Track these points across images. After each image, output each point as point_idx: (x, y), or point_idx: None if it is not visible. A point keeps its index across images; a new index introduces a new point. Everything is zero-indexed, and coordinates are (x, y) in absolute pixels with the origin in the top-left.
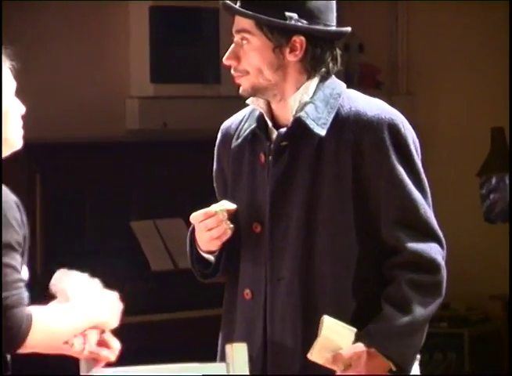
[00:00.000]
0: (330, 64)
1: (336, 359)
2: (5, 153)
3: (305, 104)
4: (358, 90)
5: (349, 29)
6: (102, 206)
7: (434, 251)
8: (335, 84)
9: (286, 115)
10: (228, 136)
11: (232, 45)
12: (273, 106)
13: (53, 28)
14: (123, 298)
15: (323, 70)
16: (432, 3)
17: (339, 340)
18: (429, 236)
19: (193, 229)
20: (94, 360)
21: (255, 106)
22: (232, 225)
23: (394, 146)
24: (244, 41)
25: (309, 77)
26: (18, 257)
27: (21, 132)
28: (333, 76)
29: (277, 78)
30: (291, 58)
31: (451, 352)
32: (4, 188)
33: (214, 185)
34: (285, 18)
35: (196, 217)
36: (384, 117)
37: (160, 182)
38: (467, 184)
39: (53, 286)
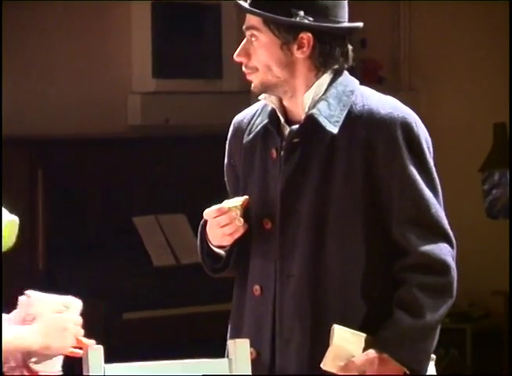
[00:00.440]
0: (341, 60)
1: (349, 367)
2: None
3: (318, 101)
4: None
5: (361, 25)
6: (105, 201)
7: (444, 252)
8: (348, 81)
9: (298, 111)
10: (240, 130)
11: (243, 42)
12: (285, 102)
13: (55, 24)
14: (125, 294)
15: (334, 66)
16: None
17: (351, 347)
18: (440, 236)
19: (204, 223)
20: None
21: (267, 101)
22: (244, 223)
23: (407, 144)
24: (253, 38)
25: (319, 74)
26: None
27: None
28: (346, 73)
29: (286, 75)
30: (299, 55)
31: (453, 347)
32: None
33: (225, 178)
34: (291, 15)
35: (209, 213)
36: (396, 116)
37: (162, 178)
38: (469, 180)
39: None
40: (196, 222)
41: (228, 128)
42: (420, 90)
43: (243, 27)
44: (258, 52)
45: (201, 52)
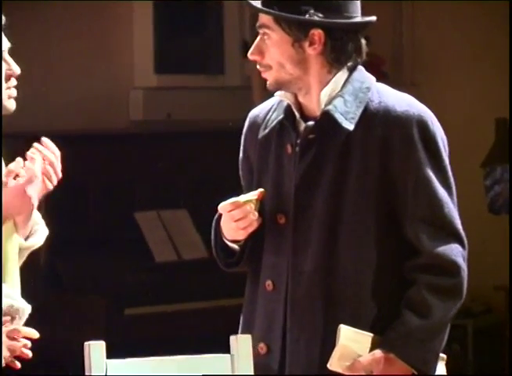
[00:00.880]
0: (354, 55)
1: (356, 367)
2: None
3: (334, 97)
4: None
5: (373, 19)
6: (106, 197)
7: (456, 252)
8: (364, 77)
9: (314, 107)
10: (255, 125)
11: (257, 40)
12: (300, 98)
13: (58, 20)
14: (127, 289)
15: (348, 62)
16: None
17: (357, 347)
18: (451, 236)
19: (218, 217)
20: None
21: (282, 97)
22: (258, 217)
23: (423, 142)
24: (265, 37)
25: (333, 70)
26: None
27: (9, 93)
28: (363, 69)
29: (299, 72)
30: (311, 51)
31: (455, 343)
32: None
33: (240, 173)
34: (301, 12)
35: (224, 207)
36: (412, 114)
37: (164, 173)
38: (472, 175)
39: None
40: (198, 217)
41: (230, 123)
42: (422, 85)
43: (256, 25)
44: (271, 50)
45: (203, 47)
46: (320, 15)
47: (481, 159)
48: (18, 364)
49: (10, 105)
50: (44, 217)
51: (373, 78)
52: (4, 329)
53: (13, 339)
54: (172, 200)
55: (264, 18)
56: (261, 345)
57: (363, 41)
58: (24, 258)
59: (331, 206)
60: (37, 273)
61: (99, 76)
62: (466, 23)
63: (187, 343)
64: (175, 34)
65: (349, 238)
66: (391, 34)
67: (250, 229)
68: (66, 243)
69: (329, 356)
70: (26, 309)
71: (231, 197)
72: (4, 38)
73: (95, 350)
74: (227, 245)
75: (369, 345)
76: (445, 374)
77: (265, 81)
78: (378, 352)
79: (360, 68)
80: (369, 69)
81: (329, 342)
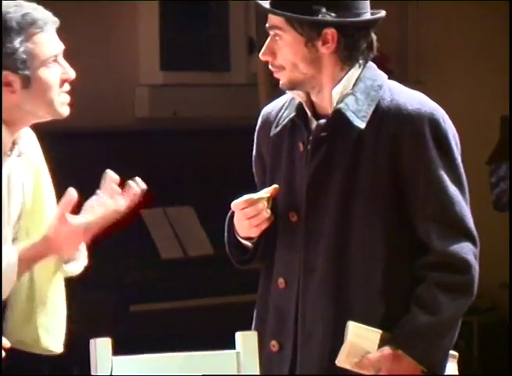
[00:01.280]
0: (366, 52)
1: (364, 364)
2: (44, 118)
3: (346, 95)
4: None
5: (383, 14)
6: None
7: (466, 250)
8: (376, 75)
9: (326, 106)
10: (268, 122)
11: (267, 41)
12: (312, 97)
13: (62, 16)
14: (133, 286)
15: (360, 58)
16: None
17: (365, 344)
18: (462, 233)
19: (231, 215)
20: None
21: (295, 96)
22: (271, 214)
23: (434, 140)
24: (277, 37)
25: (345, 68)
26: None
27: (64, 99)
28: (375, 66)
29: (313, 71)
30: (324, 50)
31: (460, 340)
32: None
33: (253, 170)
34: (313, 12)
35: (237, 205)
36: (424, 112)
37: (170, 170)
38: (477, 172)
39: None
40: (204, 214)
41: (236, 120)
42: (427, 83)
43: (266, 26)
44: (283, 51)
45: (209, 44)
46: (332, 14)
47: (487, 156)
48: None
49: (63, 111)
50: None
51: (384, 76)
52: None
53: None
54: (178, 197)
55: (275, 19)
56: (273, 342)
57: (374, 37)
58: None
59: (342, 204)
60: None
61: (104, 73)
62: (471, 20)
63: (193, 340)
64: (181, 32)
65: (360, 236)
66: (396, 32)
67: (263, 227)
68: None
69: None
70: None
71: (236, 193)
72: (58, 41)
73: (101, 347)
74: (240, 242)
75: (377, 341)
76: (456, 371)
77: (270, 78)
78: (387, 349)
79: (371, 65)
80: None
81: (340, 339)
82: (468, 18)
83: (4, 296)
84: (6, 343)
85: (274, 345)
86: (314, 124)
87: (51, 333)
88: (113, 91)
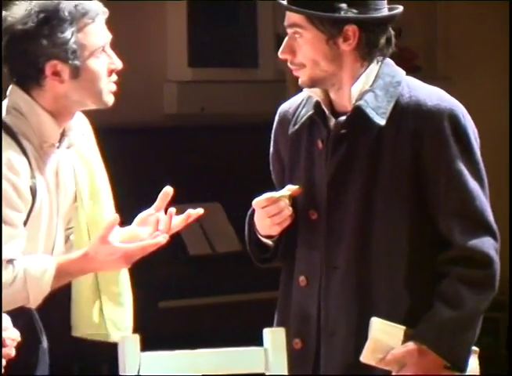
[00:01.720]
0: (385, 48)
1: (389, 360)
2: (89, 106)
3: (365, 92)
4: None
5: (401, 9)
6: (140, 190)
7: (487, 245)
8: (395, 71)
9: (344, 103)
10: (285, 120)
11: (286, 39)
12: (331, 94)
13: None
14: (161, 283)
15: (378, 54)
16: None
17: (389, 340)
18: (483, 228)
19: (252, 213)
20: None
21: (311, 94)
22: (292, 212)
23: (454, 136)
24: (297, 35)
25: (365, 64)
26: None
27: (110, 88)
28: (392, 63)
29: (334, 68)
30: (345, 47)
31: (487, 336)
32: None
33: (271, 168)
34: (334, 9)
35: (259, 203)
36: (444, 107)
37: (198, 166)
38: (502, 170)
39: None
40: (232, 211)
41: (264, 116)
42: (455, 79)
43: (285, 24)
44: (304, 49)
45: (237, 40)
46: (354, 10)
47: None
48: None
49: (109, 99)
50: None
51: (402, 72)
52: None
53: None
54: (206, 194)
55: (295, 17)
56: (296, 340)
57: (392, 33)
58: None
59: (364, 201)
60: None
61: (133, 70)
62: (501, 16)
63: (221, 336)
64: (209, 28)
65: (382, 232)
66: (425, 28)
67: (285, 225)
68: None
69: (363, 350)
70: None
71: (265, 190)
72: (106, 31)
73: (130, 343)
74: (261, 241)
75: (401, 337)
76: (477, 366)
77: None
78: (411, 345)
79: (389, 62)
80: (401, 62)
81: (363, 336)
82: (498, 14)
83: (36, 304)
84: (17, 336)
85: (297, 343)
86: (332, 121)
87: (118, 326)
88: (141, 87)
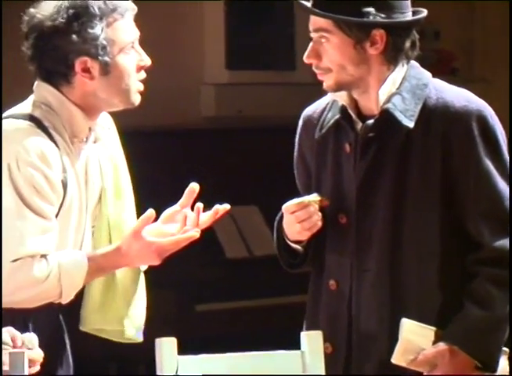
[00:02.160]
0: (410, 51)
1: (420, 361)
2: (116, 107)
3: (392, 95)
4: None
5: (425, 13)
6: (178, 193)
7: None
8: (421, 74)
9: (371, 106)
10: (310, 125)
11: (311, 43)
12: (357, 97)
13: None
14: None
15: (404, 58)
16: None
17: (420, 341)
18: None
19: (280, 217)
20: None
21: (337, 98)
22: (322, 217)
23: (482, 137)
24: (323, 40)
25: (391, 67)
26: None
27: (138, 87)
28: (418, 65)
29: (360, 72)
30: (373, 51)
31: None
32: None
33: (295, 171)
34: (362, 14)
35: (288, 208)
36: (472, 109)
37: (236, 169)
38: None
39: None
40: (269, 213)
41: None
42: (493, 81)
43: (310, 29)
44: (330, 53)
45: (274, 43)
46: (382, 15)
47: None
48: None
49: (136, 99)
50: None
51: (429, 74)
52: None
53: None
54: (243, 196)
55: (321, 21)
56: (327, 344)
57: (417, 36)
58: None
59: (393, 204)
60: None
61: (170, 73)
62: None
63: (258, 339)
64: (247, 30)
65: (412, 235)
66: (464, 30)
67: (314, 230)
68: None
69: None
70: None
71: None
72: (135, 28)
73: (167, 346)
74: (290, 246)
75: (432, 338)
76: (507, 367)
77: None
78: (442, 345)
79: (415, 64)
80: (439, 64)
81: (395, 339)
82: None
83: (67, 299)
84: (40, 357)
85: (327, 347)
86: (359, 125)
87: (134, 323)
88: (179, 90)
